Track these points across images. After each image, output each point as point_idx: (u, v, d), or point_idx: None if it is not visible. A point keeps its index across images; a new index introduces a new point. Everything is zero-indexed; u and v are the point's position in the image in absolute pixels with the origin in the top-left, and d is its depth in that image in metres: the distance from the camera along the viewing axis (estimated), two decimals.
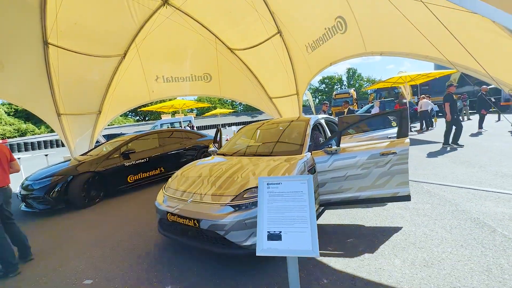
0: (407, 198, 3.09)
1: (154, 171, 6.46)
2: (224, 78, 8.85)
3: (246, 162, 3.25)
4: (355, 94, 26.42)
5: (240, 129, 4.82)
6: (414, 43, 3.40)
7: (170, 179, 3.34)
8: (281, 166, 2.86)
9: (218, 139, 4.86)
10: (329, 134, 4.38)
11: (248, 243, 2.33)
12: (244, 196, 2.48)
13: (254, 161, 3.23)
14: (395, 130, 5.24)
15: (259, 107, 9.76)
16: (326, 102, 10.03)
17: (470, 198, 3.63)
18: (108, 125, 8.63)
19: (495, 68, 2.78)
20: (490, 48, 2.75)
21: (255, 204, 2.40)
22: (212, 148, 4.71)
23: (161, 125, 20.61)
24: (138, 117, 56.13)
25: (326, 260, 2.52)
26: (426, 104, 11.42)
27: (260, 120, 6.06)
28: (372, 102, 23.24)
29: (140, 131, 7.63)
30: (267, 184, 1.94)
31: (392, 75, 11.92)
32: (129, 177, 5.93)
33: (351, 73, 66.58)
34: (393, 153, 3.08)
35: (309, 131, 3.69)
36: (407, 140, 3.10)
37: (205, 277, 2.44)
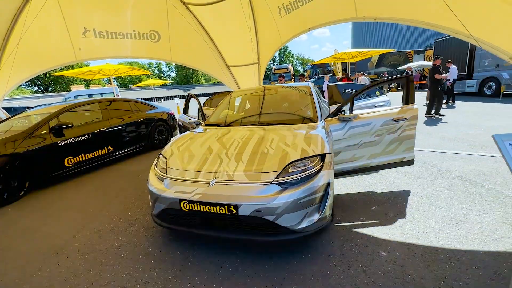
0: (411, 162, 3.20)
1: (100, 150, 5.12)
2: (175, 39, 7.49)
3: (261, 132, 2.74)
4: (293, 70, 27.44)
5: (223, 99, 4.12)
6: (416, 9, 3.38)
7: (162, 158, 2.56)
8: (313, 135, 2.48)
9: (203, 112, 4.06)
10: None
11: (302, 225, 1.94)
12: (289, 171, 2.04)
13: (272, 130, 2.75)
14: (379, 99, 5.55)
15: (215, 76, 8.85)
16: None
17: (441, 160, 4.11)
18: None
19: (495, 36, 2.98)
20: (494, 17, 2.92)
21: (304, 179, 2.00)
22: (192, 119, 3.91)
23: (75, 97, 16.70)
24: (36, 88, 44.71)
25: (367, 231, 2.38)
26: (363, 79, 12.66)
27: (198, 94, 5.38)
28: (308, 78, 24.59)
29: (47, 104, 5.86)
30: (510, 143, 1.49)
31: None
32: (66, 159, 4.51)
33: (282, 50, 68.80)
34: (404, 119, 3.09)
35: (316, 97, 3.39)
36: (416, 106, 3.14)
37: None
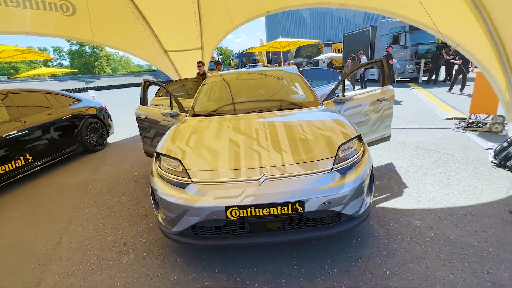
0: (388, 138, 3.58)
1: (13, 162, 3.68)
2: (98, 14, 5.97)
3: (277, 117, 2.48)
4: (217, 58, 26.79)
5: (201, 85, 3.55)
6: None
7: (166, 158, 1.99)
8: (336, 117, 2.40)
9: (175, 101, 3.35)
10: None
11: (361, 211, 1.85)
12: (341, 156, 1.90)
13: (287, 115, 2.52)
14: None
15: (151, 62, 7.66)
16: (218, 61, 9.43)
17: (394, 135, 4.79)
18: None
19: (444, 25, 3.55)
20: (442, 6, 3.46)
21: (355, 163, 1.90)
22: (164, 111, 3.20)
23: None
24: None
25: (389, 205, 2.52)
26: (294, 67, 13.51)
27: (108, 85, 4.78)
28: (235, 67, 24.58)
29: None
30: None
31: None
32: None
33: None
34: (385, 99, 3.39)
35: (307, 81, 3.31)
36: (391, 87, 3.49)
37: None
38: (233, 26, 6.36)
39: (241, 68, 24.30)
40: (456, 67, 10.05)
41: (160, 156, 2.07)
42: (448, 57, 11.07)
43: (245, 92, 3.26)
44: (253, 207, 1.64)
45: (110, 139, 6.10)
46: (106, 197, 3.20)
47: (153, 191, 1.98)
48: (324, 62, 22.42)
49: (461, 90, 9.01)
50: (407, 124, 5.46)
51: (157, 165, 2.03)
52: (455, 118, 5.55)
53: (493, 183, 2.77)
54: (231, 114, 2.72)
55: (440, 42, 13.17)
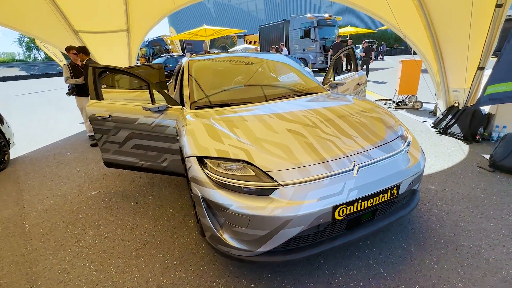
0: None
1: None
2: None
3: (308, 104, 2.29)
4: None
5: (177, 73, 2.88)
6: None
7: (218, 163, 1.54)
8: (359, 99, 2.43)
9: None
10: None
11: (419, 188, 1.95)
12: (399, 134, 1.92)
13: (314, 101, 2.37)
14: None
15: (56, 45, 5.78)
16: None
17: None
18: None
19: (396, 18, 4.11)
20: (396, 2, 4.00)
21: (408, 134, 1.98)
22: (147, 104, 2.43)
23: None
24: None
25: None
26: None
27: None
28: (145, 58, 21.90)
29: None
30: None
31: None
32: None
33: None
34: (362, 83, 3.72)
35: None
36: (363, 72, 3.85)
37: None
38: (175, 6, 5.48)
39: (152, 59, 21.71)
40: (359, 58, 12.10)
41: (205, 160, 1.57)
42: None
43: (250, 79, 2.86)
44: (359, 201, 1.46)
45: (13, 154, 4.32)
46: (71, 235, 2.24)
47: (212, 207, 1.49)
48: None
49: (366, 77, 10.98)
50: None
51: (207, 172, 1.53)
52: (381, 100, 6.71)
53: (450, 146, 3.50)
54: (250, 102, 2.33)
55: (340, 36, 15.48)
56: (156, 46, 22.66)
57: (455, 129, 3.81)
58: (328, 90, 2.81)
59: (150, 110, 2.40)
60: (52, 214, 2.57)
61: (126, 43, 6.49)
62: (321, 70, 15.74)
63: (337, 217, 1.42)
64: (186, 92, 2.47)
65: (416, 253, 1.77)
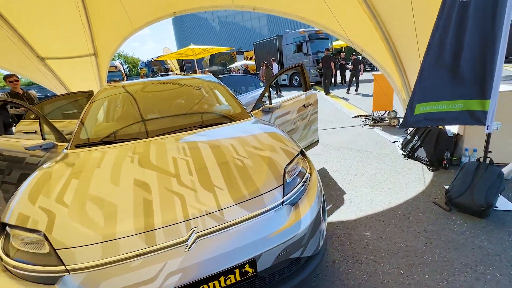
0: (317, 143, 3.56)
1: None
2: None
3: (201, 138, 1.93)
4: (122, 68, 23.69)
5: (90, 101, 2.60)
6: (294, 5, 3.64)
7: (20, 233, 1.17)
8: (271, 130, 2.04)
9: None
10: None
11: (321, 244, 1.51)
12: (289, 180, 1.51)
13: (212, 134, 2.00)
14: (260, 91, 5.60)
15: (20, 73, 5.73)
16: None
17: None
18: None
19: (351, 32, 3.76)
20: (350, 16, 3.66)
21: (305, 186, 1.56)
22: (30, 142, 2.15)
23: None
24: None
25: (335, 217, 2.34)
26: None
27: None
28: (145, 77, 22.32)
29: None
30: None
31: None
32: None
33: None
34: (310, 104, 3.32)
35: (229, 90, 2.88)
36: (314, 91, 3.47)
37: None
38: (133, 29, 5.37)
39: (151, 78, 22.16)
40: (348, 71, 11.76)
41: (7, 228, 1.22)
42: (342, 62, 12.90)
43: (155, 107, 2.55)
44: None
45: None
46: None
47: None
48: (238, 70, 22.70)
49: (356, 90, 10.54)
50: (325, 124, 5.78)
51: (1, 248, 1.18)
52: (361, 116, 6.25)
53: (411, 175, 3.01)
54: (137, 138, 2.00)
55: (332, 50, 15.29)
56: (156, 66, 23.13)
57: (421, 152, 3.33)
58: (251, 116, 2.44)
59: (28, 149, 2.10)
60: None
61: (95, 67, 6.41)
62: (316, 83, 15.45)
63: None
64: (75, 127, 2.18)
65: None
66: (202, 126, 2.17)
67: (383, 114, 5.53)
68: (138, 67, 27.55)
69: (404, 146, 3.71)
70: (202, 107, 2.61)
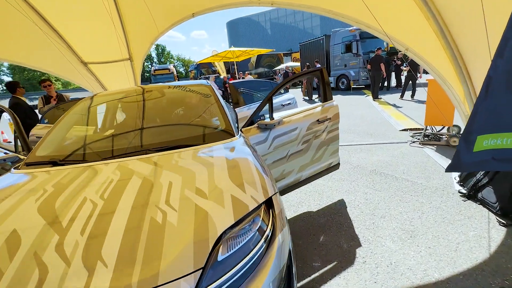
0: (338, 166, 2.83)
1: None
2: None
3: (147, 170, 1.48)
4: (175, 71, 25.36)
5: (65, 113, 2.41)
6: None
7: None
8: (240, 162, 1.50)
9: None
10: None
11: None
12: (219, 259, 0.96)
13: (167, 163, 1.54)
14: (285, 96, 5.05)
15: (66, 77, 6.30)
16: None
17: (347, 154, 4.09)
18: None
19: (392, 26, 2.93)
20: (391, 9, 2.84)
21: (253, 264, 0.99)
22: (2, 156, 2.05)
23: None
24: None
25: (334, 284, 1.65)
26: (250, 79, 12.84)
27: None
28: (193, 78, 23.46)
29: None
30: None
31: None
32: None
33: (160, 50, 64.06)
34: (328, 119, 2.63)
35: (222, 100, 2.39)
36: (335, 102, 2.75)
37: None
38: (159, 33, 5.36)
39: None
40: (404, 73, 10.14)
41: None
42: (398, 63, 11.24)
43: (131, 121, 2.22)
44: None
45: None
46: None
47: None
48: (279, 73, 21.29)
49: (412, 96, 8.98)
50: (361, 138, 4.85)
51: None
52: (410, 130, 5.10)
53: (468, 228, 2.08)
54: (86, 161, 1.67)
55: (388, 50, 13.49)
56: (204, 68, 24.10)
57: (489, 193, 2.32)
58: (236, 135, 1.91)
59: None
60: None
61: (131, 70, 6.68)
62: (366, 87, 13.90)
63: None
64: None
65: None
66: (163, 148, 1.73)
67: (440, 130, 4.36)
68: (189, 70, 29.25)
69: (463, 179, 2.69)
70: (176, 123, 2.19)
